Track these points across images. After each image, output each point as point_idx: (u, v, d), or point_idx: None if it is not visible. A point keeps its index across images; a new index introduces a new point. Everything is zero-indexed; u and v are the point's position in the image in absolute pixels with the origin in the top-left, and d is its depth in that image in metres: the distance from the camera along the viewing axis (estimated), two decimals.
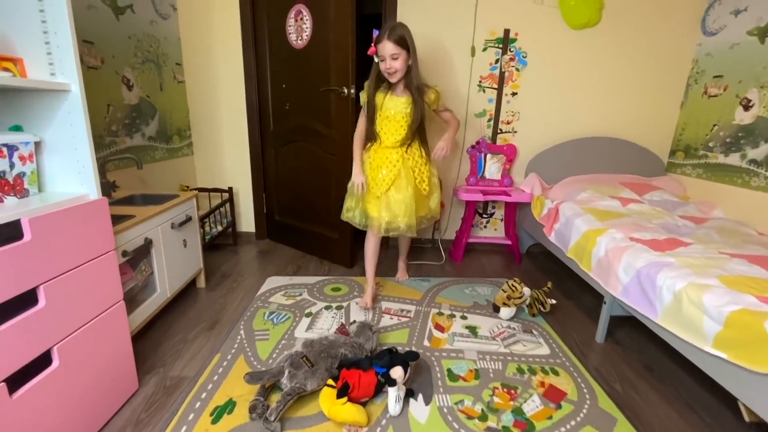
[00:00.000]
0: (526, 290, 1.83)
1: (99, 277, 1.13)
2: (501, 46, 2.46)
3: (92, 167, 1.12)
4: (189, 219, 1.85)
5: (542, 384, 1.41)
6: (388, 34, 1.65)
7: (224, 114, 2.64)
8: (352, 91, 2.08)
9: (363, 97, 1.85)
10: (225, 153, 2.71)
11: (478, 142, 2.55)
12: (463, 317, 1.86)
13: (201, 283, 2.09)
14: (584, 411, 1.29)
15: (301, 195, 2.58)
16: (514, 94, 2.54)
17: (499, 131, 2.61)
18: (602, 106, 2.57)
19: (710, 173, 2.31)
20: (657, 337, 1.72)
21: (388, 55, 1.67)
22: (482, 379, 1.42)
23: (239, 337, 1.64)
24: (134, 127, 2.10)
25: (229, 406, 1.25)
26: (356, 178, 1.85)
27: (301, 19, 2.26)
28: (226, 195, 2.64)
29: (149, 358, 1.50)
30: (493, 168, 2.62)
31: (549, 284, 1.93)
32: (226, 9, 2.45)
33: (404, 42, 1.67)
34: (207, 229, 2.36)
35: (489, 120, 2.59)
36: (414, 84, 1.76)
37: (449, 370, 1.46)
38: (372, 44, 1.72)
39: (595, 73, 2.50)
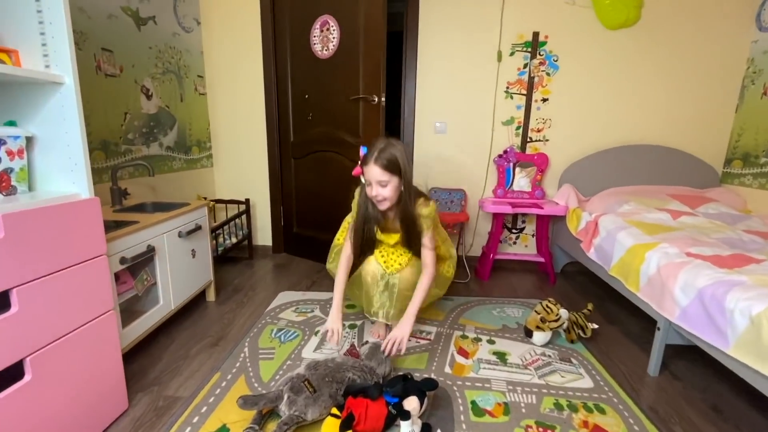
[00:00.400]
0: (563, 312, 1.61)
1: (85, 283, 1.04)
2: (530, 49, 2.32)
3: (85, 165, 1.05)
4: (198, 228, 1.78)
5: (585, 424, 1.19)
6: (375, 157, 1.35)
7: (245, 126, 2.62)
8: (383, 99, 2.08)
9: (353, 208, 1.56)
10: (244, 165, 2.68)
11: (505, 151, 2.38)
12: (491, 341, 1.66)
13: (210, 296, 1.99)
14: None
15: (321, 205, 2.49)
16: (544, 100, 2.38)
17: (528, 140, 2.44)
18: (643, 112, 2.35)
19: None
20: (726, 371, 1.45)
21: (374, 181, 1.37)
22: (513, 415, 1.21)
23: (243, 355, 1.51)
24: (152, 136, 2.08)
25: None
26: (332, 323, 1.41)
27: (328, 29, 2.23)
28: (243, 207, 2.58)
29: (146, 375, 1.39)
30: (522, 181, 2.44)
31: (589, 306, 1.70)
32: (248, 23, 2.46)
33: (395, 167, 1.36)
34: (220, 240, 2.29)
35: (517, 128, 2.43)
36: (403, 211, 1.45)
37: (474, 403, 1.27)
38: (359, 164, 1.43)
39: (635, 76, 2.31)
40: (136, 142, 1.97)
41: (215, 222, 2.47)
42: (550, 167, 2.43)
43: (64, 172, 1.05)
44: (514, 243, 2.61)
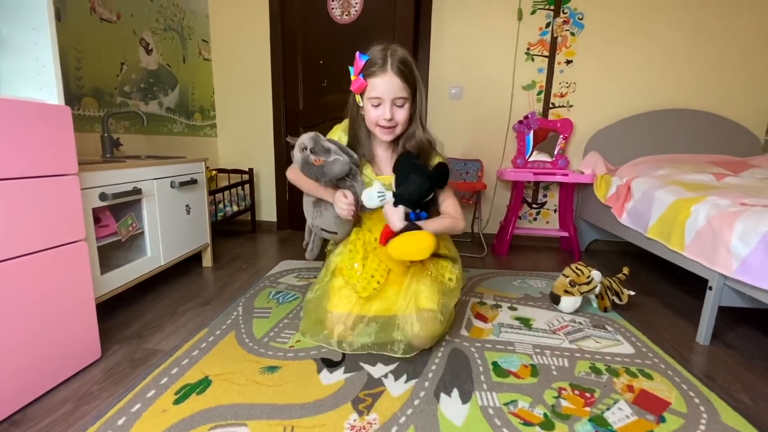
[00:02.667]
0: (596, 274, 1.42)
1: (51, 203, 0.91)
2: (552, 7, 2.16)
3: (54, 68, 0.92)
4: (194, 182, 1.65)
5: (630, 388, 1.00)
6: (392, 63, 1.04)
7: (251, 95, 2.50)
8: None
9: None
10: (250, 136, 2.56)
11: (526, 117, 2.21)
12: (512, 308, 1.48)
13: (207, 261, 1.86)
14: (702, 428, 0.87)
15: None
16: (568, 62, 2.21)
17: (551, 106, 2.26)
18: (676, 75, 2.16)
19: None
20: None
21: (389, 98, 1.05)
22: (542, 377, 1.04)
23: (235, 313, 1.36)
24: (151, 93, 1.98)
25: (202, 385, 0.96)
26: (341, 206, 1.10)
27: None
28: (247, 177, 2.45)
29: (127, 328, 1.25)
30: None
31: (625, 270, 1.51)
32: None
33: (413, 78, 1.08)
34: (220, 207, 2.16)
35: (539, 93, 2.26)
36: (418, 145, 1.13)
37: (495, 364, 1.09)
38: (354, 74, 1.09)
39: (666, 35, 2.12)
40: (134, 96, 1.86)
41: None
42: (574, 135, 2.25)
43: (32, 77, 0.93)
44: (535, 219, 2.42)
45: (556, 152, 2.23)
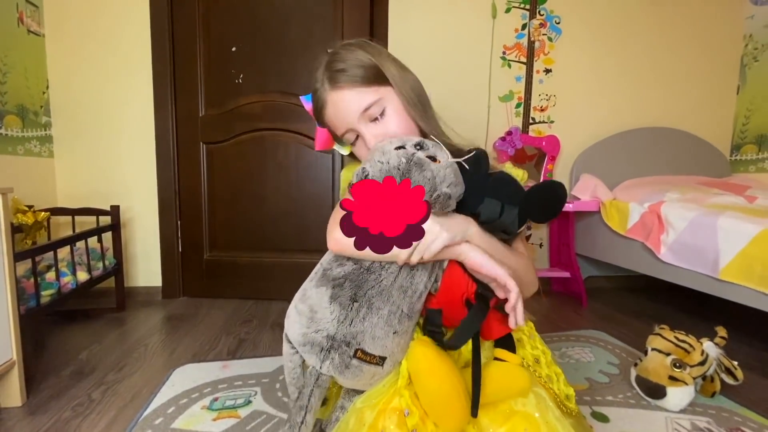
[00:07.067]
0: (710, 347, 0.95)
1: None
2: (528, 6, 1.83)
3: None
4: None
5: None
6: (329, 74, 0.65)
7: (117, 95, 1.62)
8: None
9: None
10: (116, 158, 1.65)
11: (509, 133, 1.79)
12: (599, 416, 0.92)
13: (13, 396, 0.91)
14: None
15: (257, 213, 1.66)
16: (547, 71, 1.88)
17: (531, 121, 1.90)
18: (651, 91, 1.99)
19: None
20: None
21: (355, 121, 0.65)
22: None
23: None
24: None
25: None
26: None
27: None
28: (107, 220, 1.51)
29: None
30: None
31: (722, 332, 1.08)
32: None
33: (373, 71, 0.65)
34: (50, 277, 1.20)
35: (518, 105, 1.88)
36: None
37: None
38: (317, 124, 0.72)
39: (640, 50, 1.95)
40: None
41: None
42: (560, 155, 1.90)
43: None
44: None
45: (542, 176, 1.85)
